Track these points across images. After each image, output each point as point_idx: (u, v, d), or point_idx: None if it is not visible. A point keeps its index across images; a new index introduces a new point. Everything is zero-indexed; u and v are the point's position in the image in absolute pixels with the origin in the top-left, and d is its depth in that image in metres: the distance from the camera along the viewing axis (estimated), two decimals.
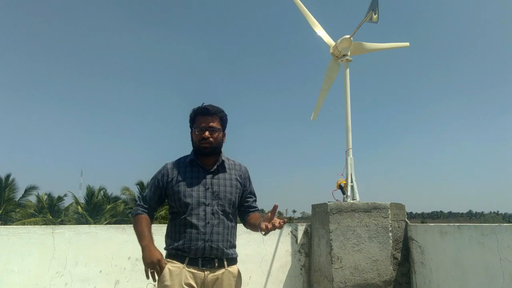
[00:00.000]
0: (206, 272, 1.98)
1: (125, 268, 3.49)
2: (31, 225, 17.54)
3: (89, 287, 3.38)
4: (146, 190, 2.20)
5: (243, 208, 2.25)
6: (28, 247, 3.33)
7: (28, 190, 25.32)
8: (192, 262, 1.98)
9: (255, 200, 2.30)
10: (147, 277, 1.99)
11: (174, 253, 2.02)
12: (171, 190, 2.09)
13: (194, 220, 2.00)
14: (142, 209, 2.13)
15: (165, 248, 2.09)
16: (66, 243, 3.43)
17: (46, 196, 25.92)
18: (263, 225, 1.89)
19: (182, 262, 1.99)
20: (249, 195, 2.26)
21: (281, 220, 1.87)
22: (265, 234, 1.92)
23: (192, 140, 2.17)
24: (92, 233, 3.53)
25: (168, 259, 2.03)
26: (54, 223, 20.62)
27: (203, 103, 2.15)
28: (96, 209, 23.78)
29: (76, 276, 3.37)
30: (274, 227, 1.86)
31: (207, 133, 2.08)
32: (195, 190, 2.05)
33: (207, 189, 2.06)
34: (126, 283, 3.46)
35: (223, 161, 2.16)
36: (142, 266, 3.57)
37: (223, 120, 2.18)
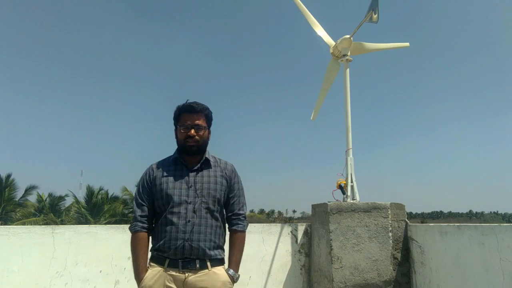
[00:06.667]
0: (187, 274, 1.92)
1: (125, 268, 3.49)
2: (31, 224, 17.53)
3: (89, 287, 3.38)
4: (135, 195, 2.13)
5: (227, 214, 2.17)
6: (28, 247, 3.33)
7: (28, 190, 25.30)
8: (172, 264, 1.93)
9: (239, 203, 2.18)
10: None
11: (156, 256, 1.99)
12: (154, 189, 2.05)
13: (174, 219, 1.95)
14: (140, 223, 2.04)
15: (150, 250, 2.06)
16: (66, 243, 3.43)
17: (47, 196, 25.90)
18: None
19: (162, 265, 1.95)
20: (234, 197, 2.16)
21: None
22: None
23: (176, 138, 2.12)
24: (92, 233, 3.53)
25: (151, 263, 2.00)
26: (54, 223, 20.62)
27: (187, 100, 2.09)
28: (96, 209, 23.75)
29: (76, 276, 3.37)
30: None
31: (193, 131, 2.04)
32: (177, 188, 2.00)
33: (190, 187, 2.01)
34: (126, 283, 3.46)
35: (206, 158, 2.11)
36: None
37: (209, 118, 2.13)
